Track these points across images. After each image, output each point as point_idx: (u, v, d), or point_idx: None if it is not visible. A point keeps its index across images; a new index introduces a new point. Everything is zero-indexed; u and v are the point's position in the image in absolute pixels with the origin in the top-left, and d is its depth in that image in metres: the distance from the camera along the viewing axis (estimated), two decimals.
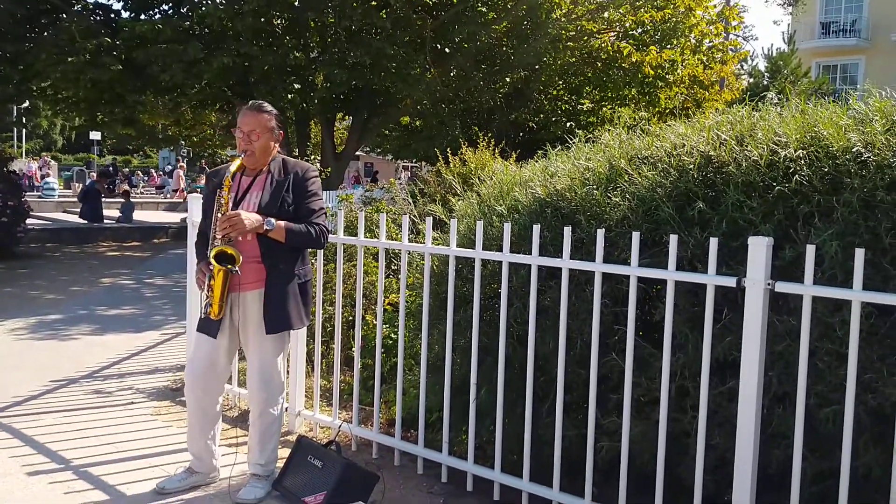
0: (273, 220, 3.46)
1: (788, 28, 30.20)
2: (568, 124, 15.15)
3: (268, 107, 3.67)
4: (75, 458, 4.08)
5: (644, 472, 3.24)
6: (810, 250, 2.65)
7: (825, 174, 2.87)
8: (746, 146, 3.09)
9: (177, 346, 6.85)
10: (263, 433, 3.69)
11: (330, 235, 4.23)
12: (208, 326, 3.58)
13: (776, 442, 2.96)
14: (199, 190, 17.37)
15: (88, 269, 11.98)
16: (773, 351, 2.88)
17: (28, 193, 14.91)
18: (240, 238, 3.48)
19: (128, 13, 14.01)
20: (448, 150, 7.96)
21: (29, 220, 13.51)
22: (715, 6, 16.22)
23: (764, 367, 2.83)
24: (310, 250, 3.85)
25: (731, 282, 2.84)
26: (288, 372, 4.57)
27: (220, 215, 3.46)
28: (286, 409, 4.59)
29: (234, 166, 3.59)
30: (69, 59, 11.62)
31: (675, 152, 3.30)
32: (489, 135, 8.64)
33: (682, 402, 3.14)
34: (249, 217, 3.42)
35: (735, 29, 17.16)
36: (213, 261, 3.43)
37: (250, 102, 3.70)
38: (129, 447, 4.28)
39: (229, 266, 3.42)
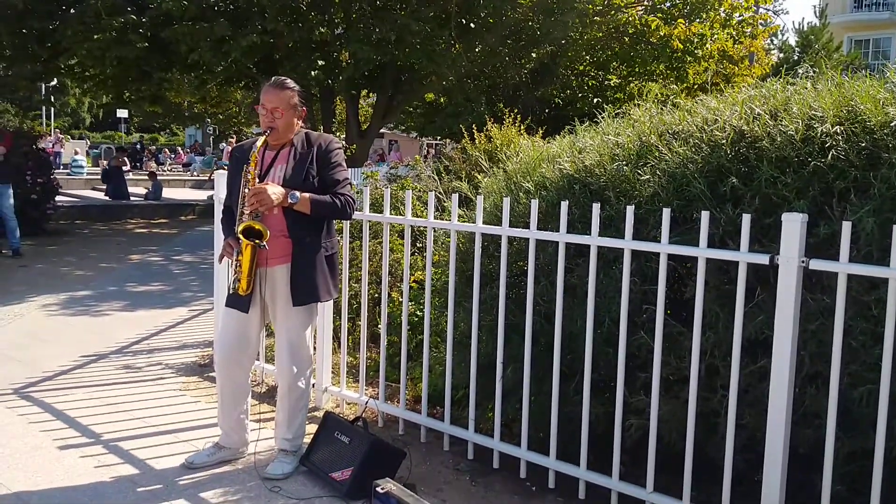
0: (297, 192, 3.46)
1: (820, 1, 29.64)
2: (595, 100, 14.99)
3: (290, 83, 3.66)
4: (105, 433, 4.13)
5: (672, 451, 3.22)
6: (846, 227, 2.59)
7: (862, 149, 2.81)
8: (781, 120, 3.02)
9: (204, 322, 6.90)
10: (292, 408, 3.71)
11: (356, 212, 4.22)
12: (238, 301, 3.59)
13: (808, 422, 2.92)
14: (225, 167, 17.44)
15: (117, 246, 12.09)
16: (806, 329, 2.83)
17: (57, 171, 15.04)
18: (266, 212, 3.48)
19: None
20: (473, 126, 7.89)
21: (58, 198, 13.65)
22: None
23: (797, 346, 2.79)
24: (336, 224, 3.85)
25: (764, 259, 2.78)
26: (315, 348, 4.59)
27: (246, 190, 3.47)
28: (313, 385, 4.61)
29: (259, 142, 3.58)
30: (95, 37, 11.65)
31: (706, 127, 3.23)
32: (515, 111, 8.56)
33: (711, 381, 3.10)
34: (275, 191, 3.42)
35: (766, 2, 16.83)
36: (240, 236, 3.43)
37: (273, 79, 3.69)
38: (158, 422, 4.32)
39: (257, 241, 3.42)
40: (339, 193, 3.57)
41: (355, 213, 4.19)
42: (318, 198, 3.52)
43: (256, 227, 3.42)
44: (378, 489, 2.90)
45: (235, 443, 3.82)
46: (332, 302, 4.52)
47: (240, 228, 3.44)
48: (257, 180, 3.53)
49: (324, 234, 3.64)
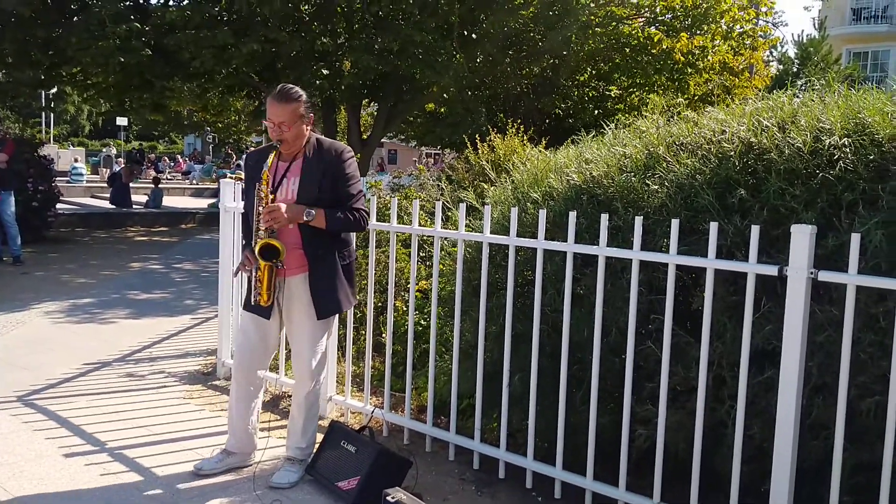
0: (312, 210, 3.47)
1: (819, 14, 29.75)
2: (596, 111, 15.03)
3: (294, 93, 3.58)
4: (110, 441, 4.12)
5: (679, 462, 3.22)
6: (855, 239, 2.61)
7: (870, 161, 2.83)
8: (789, 133, 3.04)
9: (207, 330, 6.90)
10: (308, 416, 3.72)
11: None
12: (260, 309, 3.61)
13: (815, 433, 2.92)
14: (228, 175, 17.46)
15: (117, 254, 12.09)
16: (814, 341, 2.84)
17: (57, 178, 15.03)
18: (283, 226, 3.51)
19: None
20: (476, 136, 7.91)
21: (58, 205, 13.65)
22: None
23: (804, 358, 2.80)
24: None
25: (772, 270, 2.80)
26: None
27: (261, 208, 3.48)
28: None
29: (270, 158, 3.56)
30: (100, 43, 11.68)
31: (714, 139, 3.25)
32: (518, 122, 8.58)
33: (718, 392, 3.11)
34: (290, 210, 3.46)
35: (767, 14, 16.91)
36: (258, 256, 3.46)
37: (278, 90, 3.59)
38: (162, 430, 4.32)
39: (274, 261, 3.47)
40: (354, 209, 3.58)
41: None
42: (333, 214, 3.53)
43: (273, 243, 3.45)
44: (388, 498, 2.90)
45: (245, 448, 3.83)
46: None
47: (257, 248, 3.46)
48: (270, 197, 3.54)
49: (339, 245, 3.65)
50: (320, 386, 3.75)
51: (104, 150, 36.72)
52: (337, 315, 3.83)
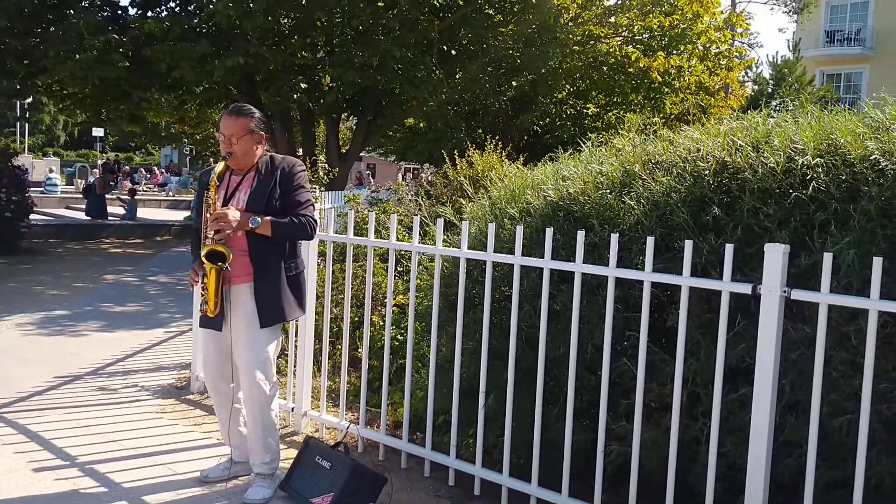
0: (258, 217, 3.50)
1: (793, 36, 30.23)
2: (573, 129, 15.15)
3: (247, 109, 3.70)
4: (81, 455, 4.07)
5: (653, 479, 3.23)
6: (827, 258, 2.64)
7: (842, 182, 2.87)
8: (762, 152, 3.08)
9: (181, 343, 6.84)
10: (265, 429, 3.68)
11: (339, 236, 4.24)
12: (212, 322, 3.62)
13: (787, 450, 2.94)
14: None
15: (91, 266, 11.96)
16: (787, 359, 2.87)
17: (31, 189, 14.89)
18: (230, 235, 3.53)
19: (135, 10, 14.01)
20: (455, 152, 7.94)
21: (32, 216, 13.50)
22: (722, 13, 16.22)
23: (777, 375, 2.82)
24: (319, 248, 3.88)
25: (746, 289, 2.82)
26: (295, 373, 4.56)
27: (208, 215, 3.52)
28: (292, 409, 4.59)
29: (218, 167, 3.65)
30: (77, 57, 11.60)
31: (690, 157, 3.29)
32: (496, 138, 8.63)
33: (693, 409, 3.13)
34: (235, 216, 3.48)
35: (742, 36, 17.17)
36: (204, 259, 3.48)
37: (231, 106, 3.74)
38: (135, 445, 4.26)
39: (220, 264, 3.48)
40: (300, 214, 3.60)
41: (340, 236, 4.23)
42: (280, 221, 3.55)
43: (219, 249, 3.47)
44: None
45: (246, 455, 3.82)
46: (312, 325, 4.51)
47: (203, 252, 3.49)
48: (219, 204, 3.58)
49: (286, 255, 3.66)
50: (275, 397, 3.71)
51: (99, 160, 36.57)
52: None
